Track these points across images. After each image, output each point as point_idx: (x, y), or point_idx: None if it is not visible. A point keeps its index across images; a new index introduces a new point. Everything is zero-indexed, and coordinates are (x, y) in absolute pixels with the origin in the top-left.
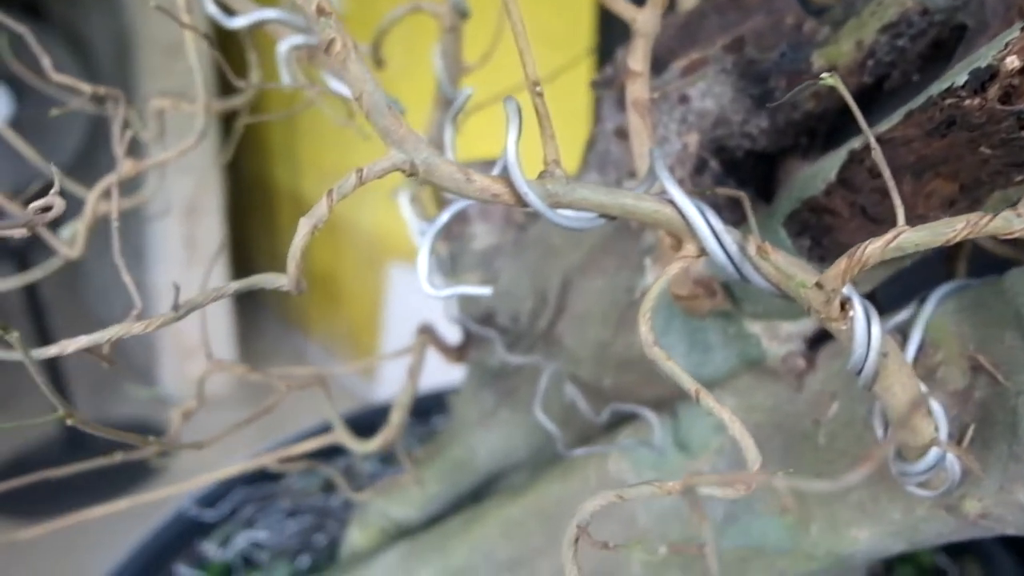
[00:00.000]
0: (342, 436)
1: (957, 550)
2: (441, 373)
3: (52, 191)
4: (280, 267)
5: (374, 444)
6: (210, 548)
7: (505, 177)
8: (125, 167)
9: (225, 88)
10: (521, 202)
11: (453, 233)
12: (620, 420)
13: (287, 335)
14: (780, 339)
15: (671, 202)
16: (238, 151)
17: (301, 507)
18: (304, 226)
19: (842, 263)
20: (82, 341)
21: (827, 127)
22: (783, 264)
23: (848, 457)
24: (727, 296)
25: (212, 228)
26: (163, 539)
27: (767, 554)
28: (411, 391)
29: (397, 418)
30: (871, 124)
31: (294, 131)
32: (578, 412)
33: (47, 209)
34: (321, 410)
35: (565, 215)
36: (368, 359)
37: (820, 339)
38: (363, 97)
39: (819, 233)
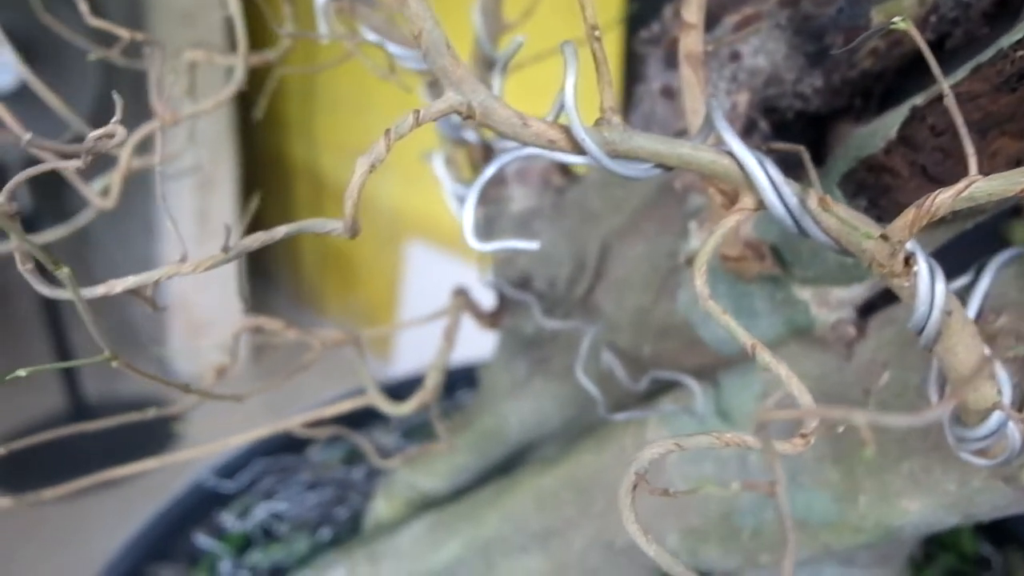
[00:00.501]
0: (375, 398)
1: (1000, 539)
2: (463, 348)
3: (113, 119)
4: (296, 245)
5: (409, 407)
6: (228, 519)
7: (561, 124)
8: (164, 116)
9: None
10: (577, 149)
11: (489, 196)
12: (658, 389)
13: (300, 316)
14: (830, 306)
15: (729, 153)
16: (254, 125)
17: (322, 479)
18: (362, 165)
19: (910, 213)
20: (130, 281)
21: (883, 88)
22: (847, 216)
23: (900, 428)
24: (776, 260)
25: (225, 202)
26: (180, 509)
27: (811, 527)
28: (447, 353)
29: (432, 380)
30: (933, 83)
31: (312, 106)
32: (615, 381)
33: (109, 137)
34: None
35: (621, 165)
36: (404, 323)
37: (871, 307)
38: (423, 35)
39: (876, 193)
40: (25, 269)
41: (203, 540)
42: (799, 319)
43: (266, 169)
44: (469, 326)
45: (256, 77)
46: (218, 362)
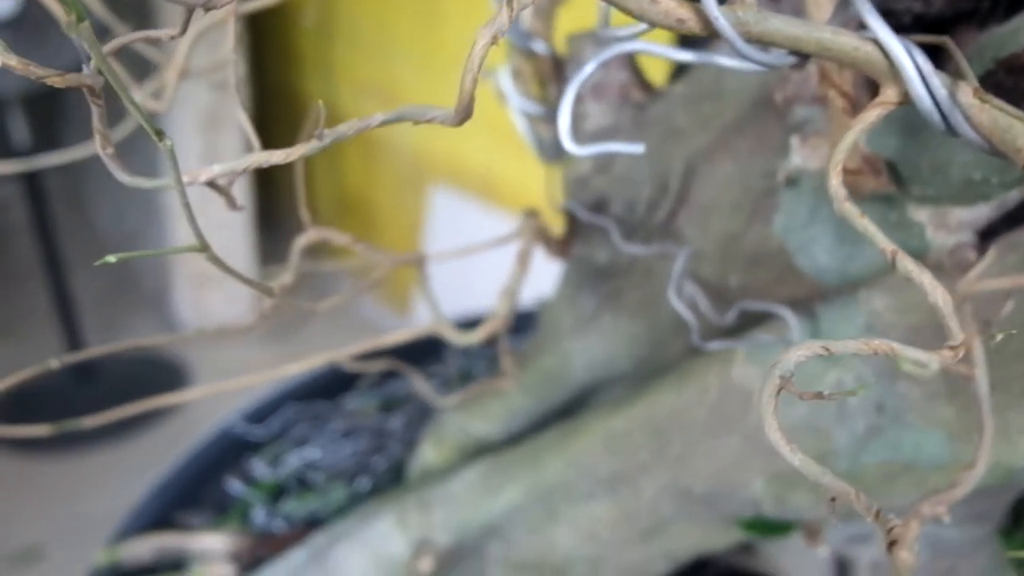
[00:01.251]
0: (443, 328)
1: None
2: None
3: None
4: (311, 190)
5: (478, 336)
6: (259, 466)
7: (689, 2)
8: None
9: None
10: (707, 29)
11: None
12: (744, 324)
13: (316, 266)
14: (949, 228)
15: (873, 40)
16: (265, 59)
17: (357, 428)
18: (484, 36)
19: None
20: (215, 170)
21: None
22: (1008, 107)
23: None
24: (891, 177)
25: (233, 141)
26: (209, 455)
27: (918, 469)
28: (519, 279)
29: (504, 308)
30: None
31: (329, 39)
32: (697, 314)
33: None
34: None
35: (755, 52)
36: (466, 248)
37: (992, 231)
38: None
39: (1017, 98)
40: (106, 154)
41: (234, 487)
42: (912, 243)
43: (278, 107)
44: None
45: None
46: (282, 281)
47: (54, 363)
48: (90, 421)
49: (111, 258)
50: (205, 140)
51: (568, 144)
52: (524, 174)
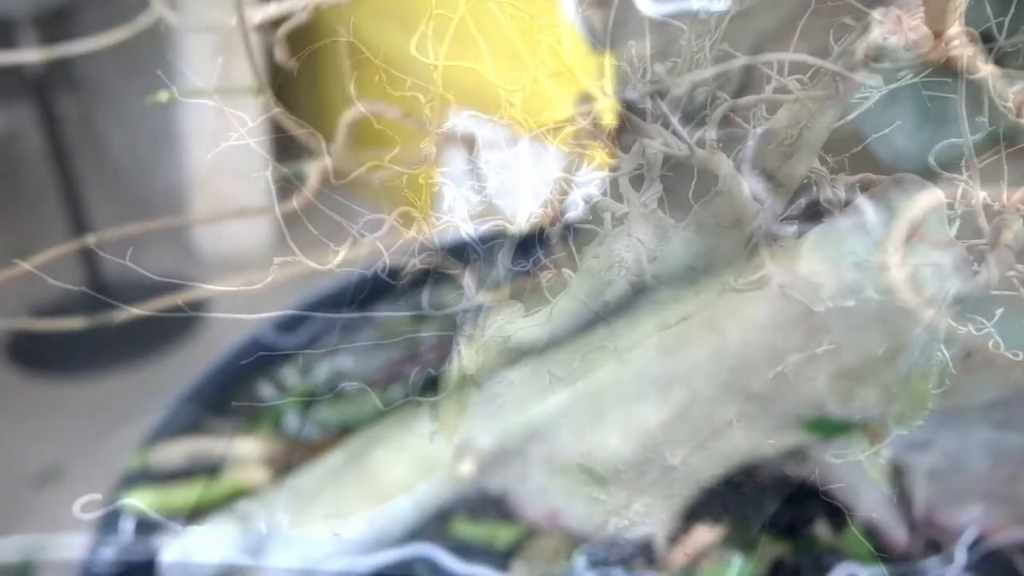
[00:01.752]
0: (493, 217)
1: None
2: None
3: None
4: (324, 117)
5: (532, 223)
6: (290, 375)
7: None
8: None
9: None
10: None
11: None
12: (812, 215)
13: (329, 196)
14: None
15: None
16: None
17: (388, 338)
18: None
19: None
20: (271, 10)
21: None
22: None
23: None
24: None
25: (248, 69)
26: (238, 363)
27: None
28: (575, 164)
29: (559, 192)
30: None
31: None
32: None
33: None
34: None
35: None
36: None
37: None
38: None
39: None
40: None
41: (265, 394)
42: (1004, 122)
43: (296, 30)
44: None
45: None
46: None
47: (91, 239)
48: (123, 314)
49: (162, 96)
50: (220, 67)
51: (642, 4)
52: (546, 98)
